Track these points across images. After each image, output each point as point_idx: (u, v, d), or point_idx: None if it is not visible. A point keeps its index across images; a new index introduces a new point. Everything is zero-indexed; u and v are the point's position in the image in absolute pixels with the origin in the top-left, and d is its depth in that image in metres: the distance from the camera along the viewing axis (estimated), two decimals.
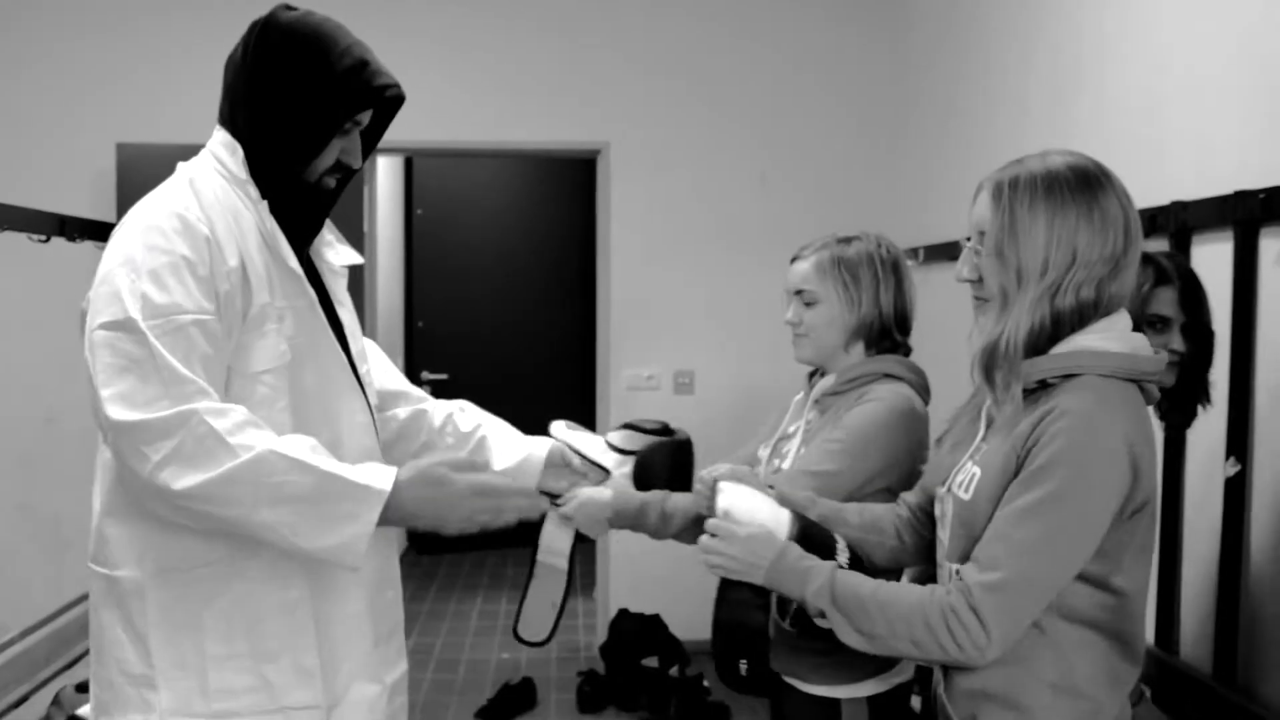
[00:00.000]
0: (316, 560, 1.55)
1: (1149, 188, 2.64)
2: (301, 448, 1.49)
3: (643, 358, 4.92)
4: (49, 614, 3.22)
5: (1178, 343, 1.98)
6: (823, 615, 1.54)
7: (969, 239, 1.61)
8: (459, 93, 4.70)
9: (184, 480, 1.43)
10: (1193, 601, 2.46)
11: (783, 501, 1.74)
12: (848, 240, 2.12)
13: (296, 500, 1.46)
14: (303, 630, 1.65)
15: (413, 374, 6.53)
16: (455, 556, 6.55)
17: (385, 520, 1.50)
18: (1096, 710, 1.50)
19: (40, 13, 4.63)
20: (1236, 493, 2.26)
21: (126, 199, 4.20)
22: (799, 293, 2.11)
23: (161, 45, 4.65)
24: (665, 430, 2.13)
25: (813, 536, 1.66)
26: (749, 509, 1.66)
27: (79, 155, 4.54)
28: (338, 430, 1.69)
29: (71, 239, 3.26)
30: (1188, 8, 2.54)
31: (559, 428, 2.12)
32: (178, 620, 1.60)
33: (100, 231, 3.54)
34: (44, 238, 3.15)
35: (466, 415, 2.03)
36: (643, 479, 2.08)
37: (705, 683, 4.34)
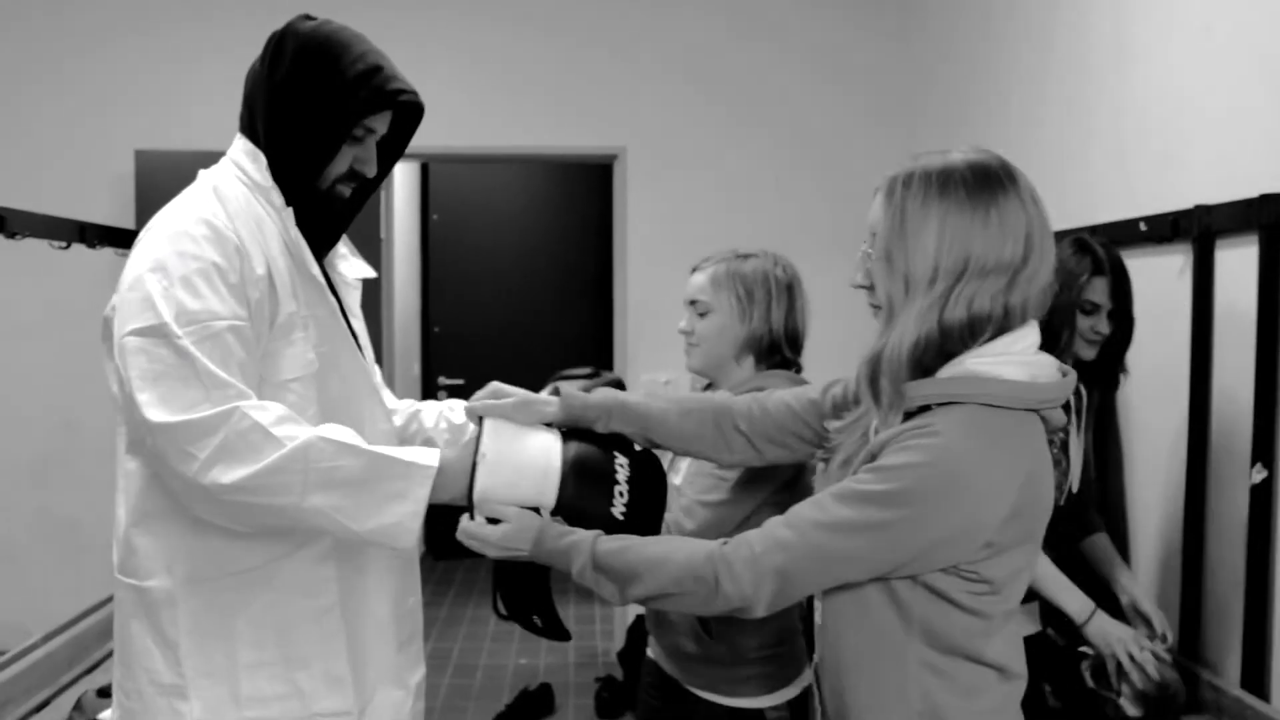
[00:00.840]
0: (370, 543, 1.55)
1: (1170, 191, 2.62)
2: (346, 433, 1.50)
3: (660, 362, 4.90)
4: (69, 619, 3.23)
5: (1104, 326, 2.38)
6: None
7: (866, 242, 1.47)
8: (475, 99, 4.70)
9: (232, 474, 1.43)
10: (1217, 611, 2.44)
11: (571, 409, 1.61)
12: (745, 256, 2.17)
13: (346, 483, 1.46)
14: (333, 637, 1.65)
15: (429, 379, 6.54)
16: (473, 561, 6.55)
17: (434, 496, 1.50)
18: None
19: (59, 20, 4.65)
20: (1263, 499, 2.24)
21: (145, 205, 4.23)
22: (693, 303, 2.16)
23: (180, 52, 4.66)
24: (594, 375, 2.07)
25: (588, 467, 1.55)
26: (515, 450, 1.53)
27: (97, 162, 4.55)
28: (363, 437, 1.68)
29: (91, 245, 3.28)
30: (1208, 12, 2.52)
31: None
32: (209, 629, 1.59)
33: (119, 238, 3.56)
34: (64, 244, 3.16)
35: (455, 411, 2.03)
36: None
37: None
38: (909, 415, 1.36)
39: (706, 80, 4.85)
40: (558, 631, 1.72)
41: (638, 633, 4.70)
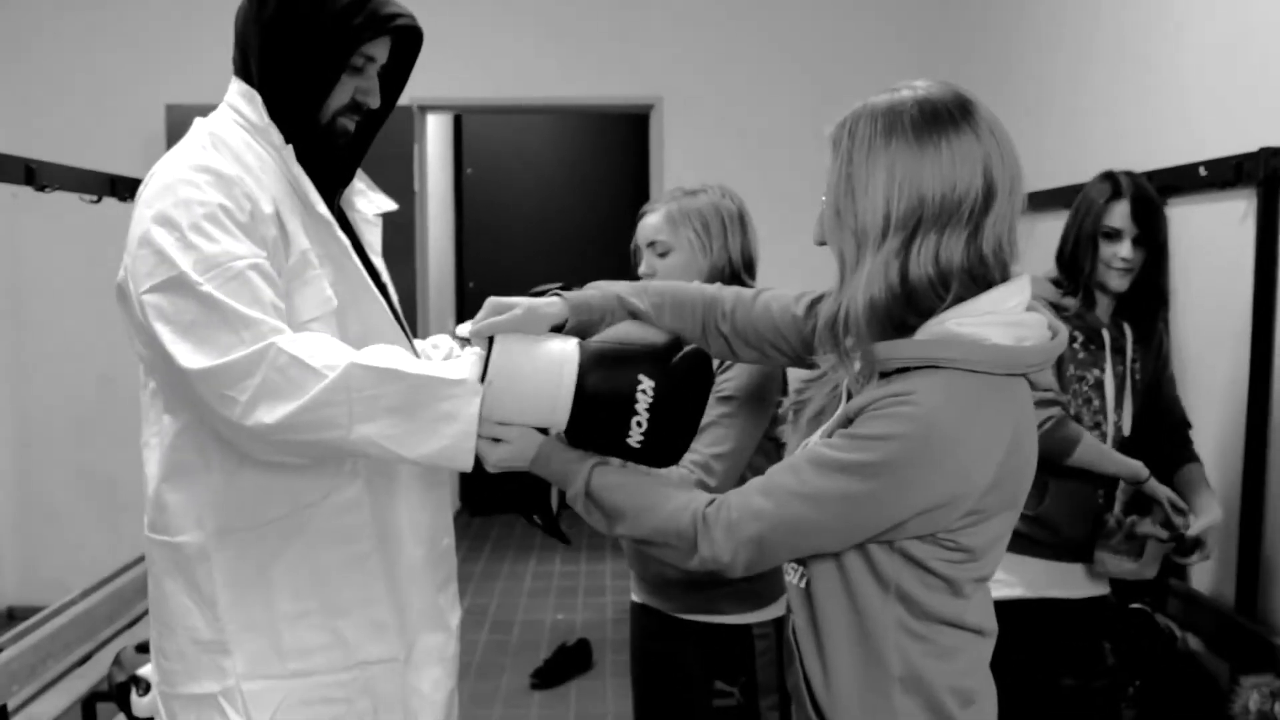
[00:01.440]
0: (432, 466, 1.50)
1: (1234, 133, 2.52)
2: (387, 356, 1.44)
3: None
4: (108, 574, 3.24)
5: (1128, 252, 2.29)
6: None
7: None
8: (508, 49, 4.62)
9: (275, 413, 1.38)
10: (1276, 567, 2.37)
11: (575, 311, 1.49)
12: (693, 193, 2.18)
13: (392, 411, 1.40)
14: (372, 582, 1.62)
15: None
16: (508, 518, 6.55)
17: (485, 415, 1.42)
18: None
19: None
20: None
21: None
22: (651, 244, 2.15)
23: (211, 6, 4.60)
24: (565, 289, 2.00)
25: (604, 394, 1.40)
26: (526, 372, 1.42)
27: (129, 117, 4.53)
28: None
29: (123, 199, 3.25)
30: None
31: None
32: (246, 581, 1.56)
33: None
34: (95, 198, 3.13)
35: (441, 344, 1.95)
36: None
37: None
38: (884, 375, 1.28)
39: (744, 28, 4.75)
40: (556, 533, 1.70)
41: None
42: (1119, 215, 2.29)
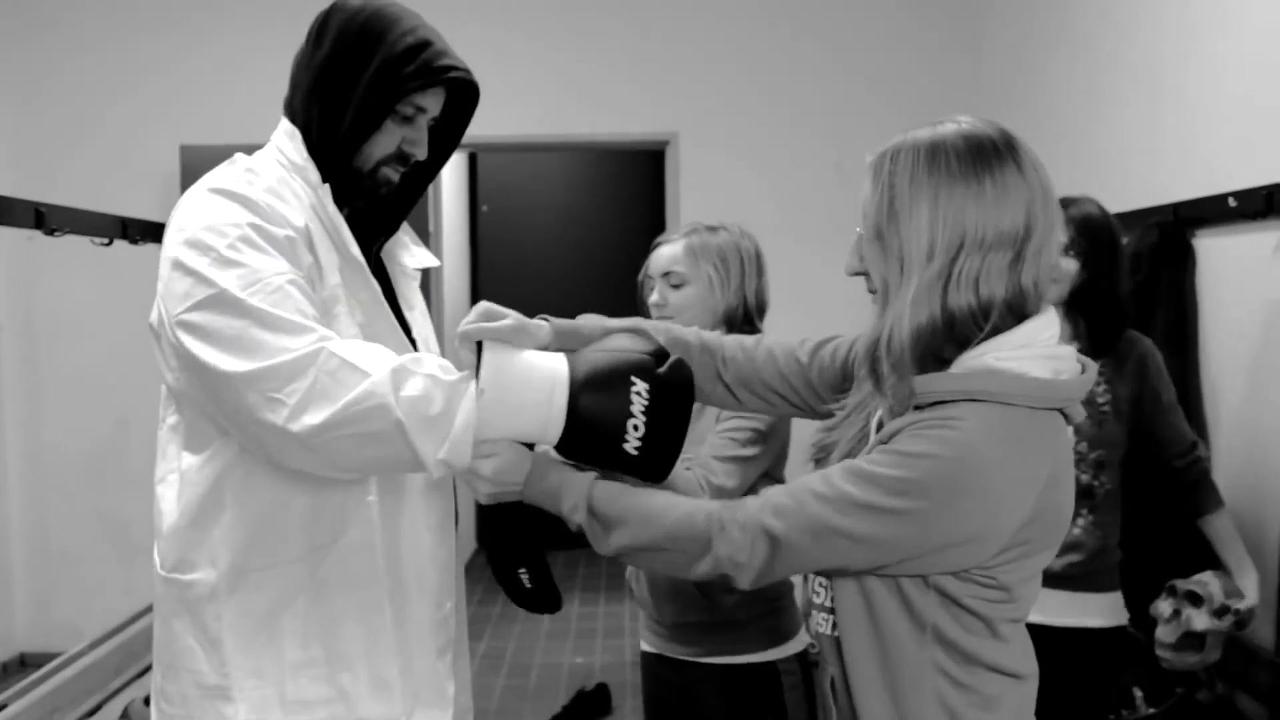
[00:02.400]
0: (433, 469, 1.39)
1: (1264, 163, 2.47)
2: (434, 363, 1.39)
3: None
4: (121, 621, 3.20)
5: (1062, 260, 2.25)
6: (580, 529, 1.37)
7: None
8: (524, 85, 4.61)
9: (323, 413, 1.33)
10: None
11: (563, 338, 1.49)
12: (714, 229, 2.17)
13: (425, 416, 1.34)
14: (381, 634, 1.57)
15: None
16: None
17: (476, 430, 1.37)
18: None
19: (103, 15, 4.63)
20: None
21: None
22: (666, 275, 2.14)
23: (225, 47, 4.63)
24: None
25: (597, 405, 1.36)
26: (518, 383, 1.36)
27: (143, 158, 4.53)
28: None
29: (134, 241, 3.23)
30: None
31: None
32: (254, 624, 1.52)
33: (162, 233, 3.51)
34: (106, 240, 3.11)
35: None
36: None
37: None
38: (918, 408, 1.26)
39: (761, 64, 4.74)
40: (548, 595, 1.59)
41: None
42: None
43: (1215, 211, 2.59)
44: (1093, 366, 1.30)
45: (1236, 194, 2.52)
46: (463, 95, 1.67)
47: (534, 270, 6.50)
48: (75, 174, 4.50)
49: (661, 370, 1.38)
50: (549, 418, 1.36)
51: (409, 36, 1.55)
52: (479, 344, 1.39)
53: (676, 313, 2.12)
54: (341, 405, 1.32)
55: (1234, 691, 2.49)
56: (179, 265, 1.42)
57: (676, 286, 2.12)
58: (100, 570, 4.62)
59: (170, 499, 1.56)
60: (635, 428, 1.35)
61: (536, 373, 1.37)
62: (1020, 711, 1.32)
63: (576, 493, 1.36)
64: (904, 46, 4.74)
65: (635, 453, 1.35)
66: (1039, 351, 1.24)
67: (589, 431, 1.36)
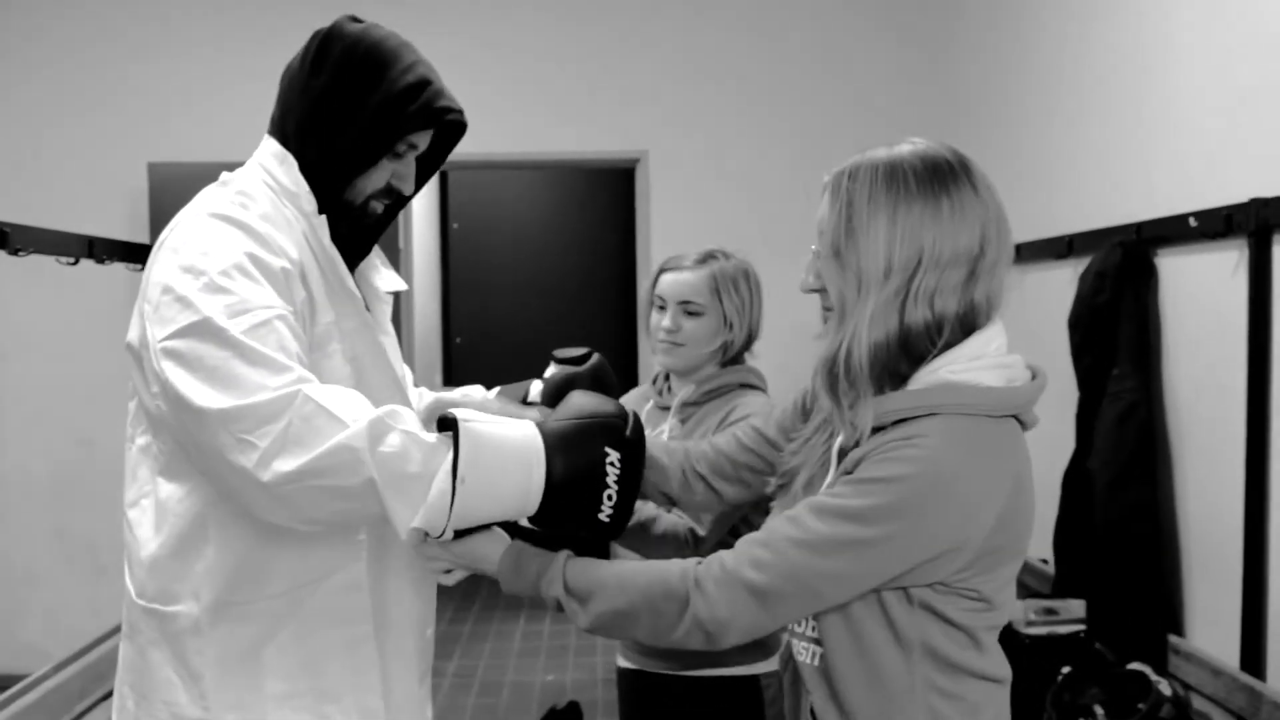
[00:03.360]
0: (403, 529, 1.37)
1: (1224, 184, 2.51)
2: (410, 417, 1.36)
3: None
4: (87, 643, 3.16)
5: None
6: (559, 606, 1.37)
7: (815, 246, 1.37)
8: (494, 103, 4.62)
9: (295, 461, 1.29)
10: None
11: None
12: (725, 256, 2.18)
13: (403, 473, 1.32)
14: (367, 669, 1.56)
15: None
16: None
17: (457, 514, 1.35)
18: None
19: (71, 33, 4.60)
20: None
21: (159, 219, 4.17)
22: (684, 303, 2.12)
23: (193, 65, 4.61)
24: (584, 358, 1.92)
25: (577, 482, 1.37)
26: (495, 468, 1.33)
27: (111, 175, 4.50)
28: None
29: (100, 261, 3.20)
30: None
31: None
32: (237, 657, 1.49)
33: (129, 253, 3.49)
34: (72, 260, 3.09)
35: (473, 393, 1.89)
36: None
37: None
38: (878, 429, 1.27)
39: (729, 84, 4.76)
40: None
41: None
42: None
43: (1177, 231, 2.63)
44: (1044, 373, 1.33)
45: (1197, 214, 2.56)
46: (449, 129, 1.67)
47: (504, 286, 6.51)
48: (41, 191, 4.46)
49: (629, 434, 1.40)
50: (527, 498, 1.35)
51: (409, 74, 1.54)
52: (448, 420, 1.36)
53: (689, 341, 2.11)
54: (315, 455, 1.29)
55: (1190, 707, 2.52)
56: (169, 290, 1.39)
57: (692, 314, 2.11)
58: (65, 591, 4.57)
59: (147, 526, 1.52)
60: (609, 497, 1.37)
61: (513, 452, 1.35)
62: (1000, 713, 1.35)
63: (551, 572, 1.36)
64: (872, 68, 4.78)
65: (608, 520, 1.37)
66: (991, 361, 1.27)
67: (566, 506, 1.36)
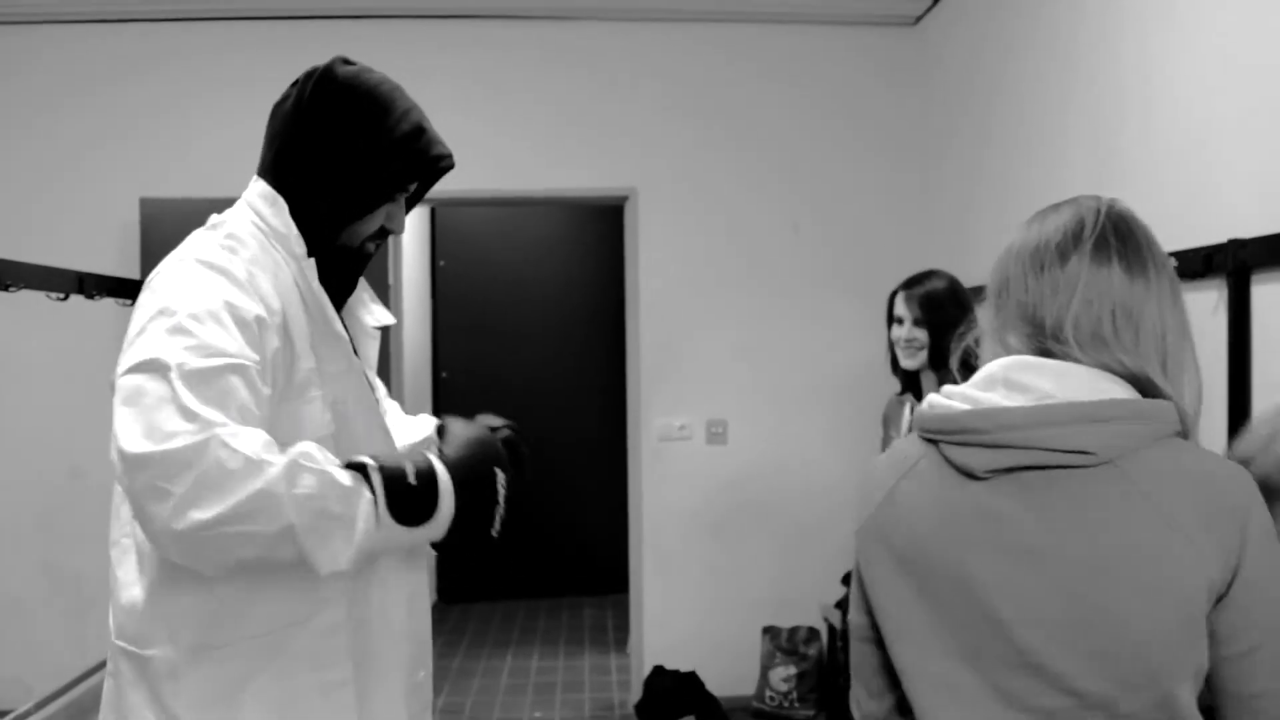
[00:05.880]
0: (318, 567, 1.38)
1: (1203, 225, 2.55)
2: (325, 459, 1.37)
3: (674, 408, 4.83)
4: (70, 679, 3.14)
5: (910, 332, 2.99)
6: None
7: None
8: (483, 141, 4.65)
9: (211, 510, 1.28)
10: None
11: None
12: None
13: (321, 514, 1.33)
14: (343, 713, 1.55)
15: None
16: (485, 607, 6.45)
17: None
18: None
19: (62, 68, 4.63)
20: None
21: (151, 254, 4.18)
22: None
23: (184, 100, 4.64)
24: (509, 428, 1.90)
25: (476, 503, 1.49)
26: (406, 490, 1.42)
27: (102, 210, 4.51)
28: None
29: (90, 296, 3.21)
30: (1237, 36, 2.45)
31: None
32: (214, 699, 1.49)
33: (120, 288, 3.50)
34: (62, 295, 3.09)
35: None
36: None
37: None
38: None
39: (718, 121, 4.81)
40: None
41: (655, 685, 4.58)
42: (899, 304, 3.03)
43: None
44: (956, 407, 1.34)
45: (1177, 254, 2.59)
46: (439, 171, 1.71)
47: (492, 322, 6.52)
48: (33, 226, 4.47)
49: (510, 451, 1.58)
50: (439, 528, 1.44)
51: (404, 123, 1.58)
52: (357, 464, 1.40)
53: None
54: (233, 502, 1.29)
55: None
56: (141, 329, 1.41)
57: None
58: (50, 624, 4.53)
59: (129, 569, 1.53)
60: (500, 516, 1.49)
61: (423, 491, 1.44)
62: None
63: None
64: (858, 103, 4.83)
65: (496, 535, 1.49)
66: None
67: (468, 530, 1.46)
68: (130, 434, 1.31)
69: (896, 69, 4.83)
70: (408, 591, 1.66)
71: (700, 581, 4.83)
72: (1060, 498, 1.17)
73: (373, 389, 1.71)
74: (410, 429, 1.87)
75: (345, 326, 1.69)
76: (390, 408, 1.86)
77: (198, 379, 1.34)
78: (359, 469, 1.38)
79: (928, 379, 2.96)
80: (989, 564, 1.19)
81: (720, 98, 4.81)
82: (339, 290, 1.68)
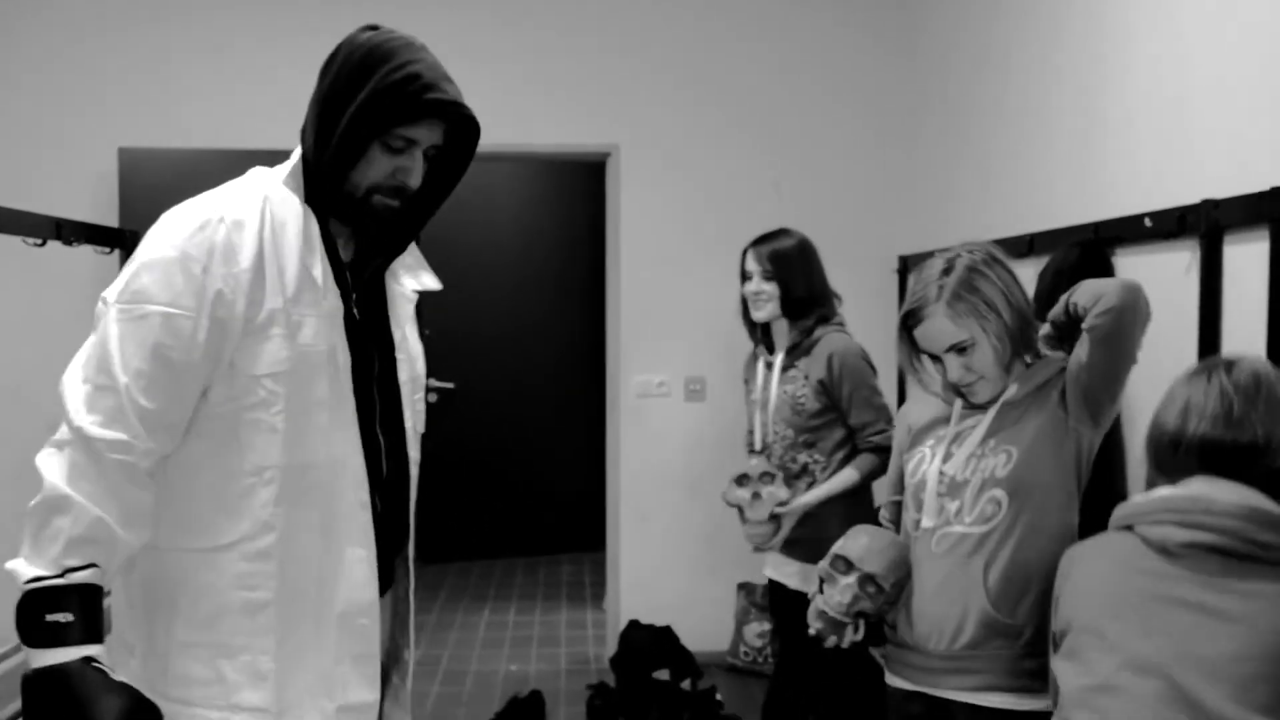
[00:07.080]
0: None
1: (1178, 186, 2.57)
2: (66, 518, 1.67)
3: (653, 364, 4.84)
4: None
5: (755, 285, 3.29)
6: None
7: None
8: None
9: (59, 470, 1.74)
10: None
11: None
12: (949, 269, 2.11)
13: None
14: (264, 633, 1.67)
15: None
16: (463, 565, 6.48)
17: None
18: None
19: (41, 17, 4.58)
20: None
21: (128, 203, 4.15)
22: (957, 349, 2.09)
23: (163, 50, 4.59)
24: None
25: None
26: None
27: (81, 160, 4.48)
28: (335, 454, 1.71)
29: (68, 243, 3.19)
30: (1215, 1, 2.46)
31: None
32: (156, 599, 1.67)
33: (97, 235, 3.48)
34: (40, 241, 3.08)
35: None
36: None
37: (718, 696, 4.26)
38: None
39: (702, 78, 4.80)
40: None
41: (630, 639, 4.62)
42: (749, 259, 3.28)
43: (1132, 231, 2.68)
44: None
45: (1152, 214, 2.61)
46: (466, 128, 1.80)
47: (474, 279, 6.50)
48: (11, 174, 4.44)
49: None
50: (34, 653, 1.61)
51: (399, 71, 1.66)
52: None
53: (983, 373, 2.10)
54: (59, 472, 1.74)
55: None
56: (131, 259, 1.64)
57: (963, 351, 2.09)
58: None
59: None
60: None
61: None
62: None
63: None
64: (841, 66, 4.83)
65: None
66: None
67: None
68: (75, 362, 1.64)
69: (882, 31, 4.82)
70: (358, 553, 1.73)
71: (677, 537, 4.87)
72: None
73: (393, 346, 1.88)
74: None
75: (385, 287, 1.87)
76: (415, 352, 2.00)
77: (127, 322, 1.59)
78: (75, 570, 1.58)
79: (779, 328, 3.20)
80: None
81: (704, 55, 4.80)
82: (380, 250, 1.82)
